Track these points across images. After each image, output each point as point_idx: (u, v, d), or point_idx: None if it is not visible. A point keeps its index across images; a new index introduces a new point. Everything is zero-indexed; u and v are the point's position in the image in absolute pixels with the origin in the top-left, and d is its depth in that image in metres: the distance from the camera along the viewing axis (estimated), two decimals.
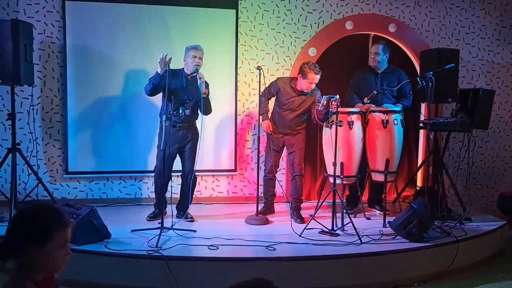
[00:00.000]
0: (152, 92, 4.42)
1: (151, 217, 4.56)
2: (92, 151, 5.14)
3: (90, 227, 3.76)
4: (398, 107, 4.73)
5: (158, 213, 4.41)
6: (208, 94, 4.45)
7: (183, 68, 4.54)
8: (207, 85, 4.46)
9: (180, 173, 4.69)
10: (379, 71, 4.99)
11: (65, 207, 3.84)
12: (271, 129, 4.73)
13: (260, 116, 4.76)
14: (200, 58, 4.45)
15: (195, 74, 4.40)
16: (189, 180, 4.59)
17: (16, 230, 1.57)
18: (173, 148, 4.50)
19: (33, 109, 4.93)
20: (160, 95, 4.48)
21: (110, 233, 3.88)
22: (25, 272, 1.57)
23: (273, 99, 4.86)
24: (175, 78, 4.43)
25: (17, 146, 4.59)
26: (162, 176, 4.32)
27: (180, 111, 4.26)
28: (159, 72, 4.28)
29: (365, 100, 4.79)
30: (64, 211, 1.70)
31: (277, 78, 4.93)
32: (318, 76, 4.54)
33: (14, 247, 1.54)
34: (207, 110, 4.56)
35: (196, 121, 4.59)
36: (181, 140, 4.53)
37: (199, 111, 4.54)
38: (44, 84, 5.05)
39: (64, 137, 5.08)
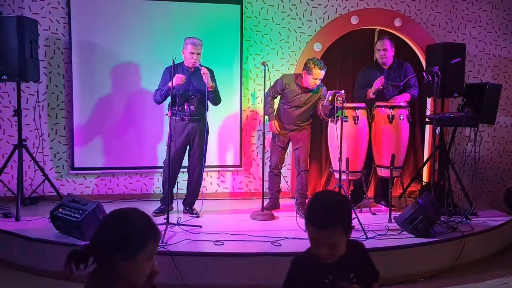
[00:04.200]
0: (161, 102, 4.50)
1: (157, 213, 4.56)
2: (98, 147, 5.15)
3: (96, 222, 3.76)
4: (404, 97, 4.74)
5: (164, 209, 4.41)
6: (214, 86, 4.43)
7: (183, 61, 4.50)
8: (213, 77, 4.45)
9: (187, 168, 4.68)
10: (385, 67, 4.95)
11: (72, 202, 3.87)
12: (278, 130, 4.72)
13: (267, 116, 4.75)
14: (198, 54, 4.39)
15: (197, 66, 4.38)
16: (196, 175, 4.60)
17: (112, 234, 1.46)
18: (182, 143, 4.50)
19: (39, 105, 4.95)
20: None
21: None
22: (108, 282, 1.44)
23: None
24: (177, 74, 4.42)
25: (23, 142, 4.63)
26: (168, 171, 4.33)
27: (186, 107, 4.26)
28: (170, 86, 4.23)
29: (371, 95, 4.78)
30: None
31: (282, 75, 4.89)
32: (323, 72, 4.50)
33: (107, 251, 1.43)
34: (216, 102, 4.56)
35: (207, 112, 4.54)
36: (190, 134, 4.52)
37: (208, 102, 4.51)
38: (50, 80, 5.06)
39: (70, 133, 5.10)
